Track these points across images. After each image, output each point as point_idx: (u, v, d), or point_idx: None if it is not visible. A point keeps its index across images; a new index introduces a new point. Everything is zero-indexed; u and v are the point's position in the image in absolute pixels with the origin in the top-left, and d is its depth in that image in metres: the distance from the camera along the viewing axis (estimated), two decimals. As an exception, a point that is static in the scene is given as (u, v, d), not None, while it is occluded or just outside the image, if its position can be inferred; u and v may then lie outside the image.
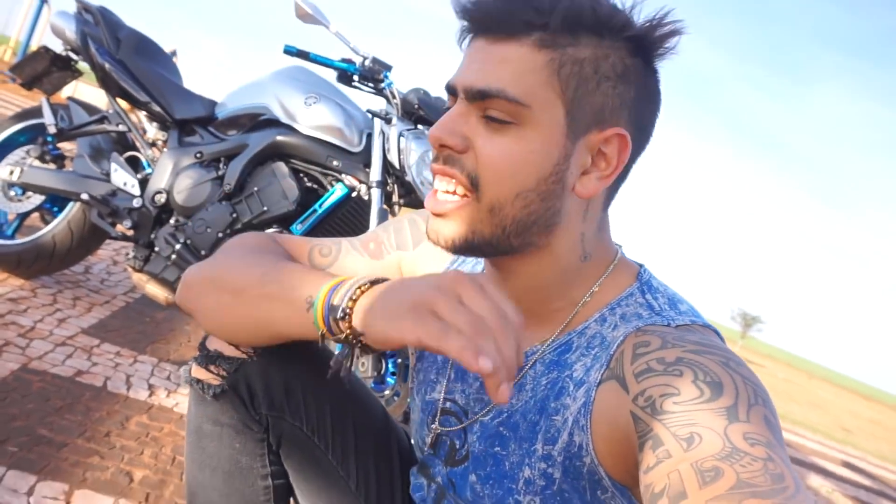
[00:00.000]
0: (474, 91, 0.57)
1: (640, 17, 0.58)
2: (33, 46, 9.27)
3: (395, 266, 0.82)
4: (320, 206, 1.78)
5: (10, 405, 1.39)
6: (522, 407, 0.64)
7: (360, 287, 0.57)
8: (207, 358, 0.73)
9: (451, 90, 0.61)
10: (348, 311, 0.56)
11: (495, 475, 0.64)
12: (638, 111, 0.60)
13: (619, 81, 0.57)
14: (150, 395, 1.68)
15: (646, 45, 0.58)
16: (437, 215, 0.61)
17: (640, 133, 0.61)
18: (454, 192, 0.60)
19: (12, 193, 2.19)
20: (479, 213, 0.59)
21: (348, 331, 0.56)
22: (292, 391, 0.75)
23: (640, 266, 0.67)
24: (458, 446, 0.71)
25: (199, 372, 0.74)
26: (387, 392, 1.66)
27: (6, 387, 1.46)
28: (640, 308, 0.61)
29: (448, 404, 0.73)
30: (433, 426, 0.74)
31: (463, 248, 0.61)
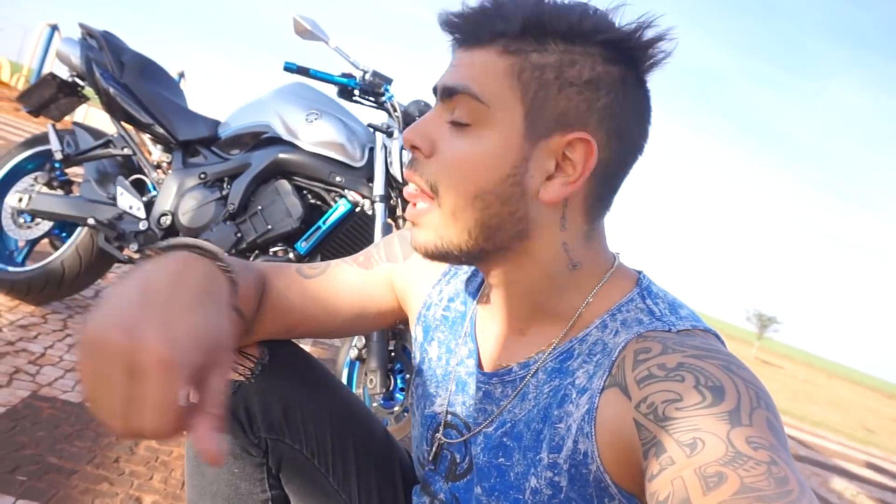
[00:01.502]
0: (443, 88, 0.60)
1: (623, 22, 0.57)
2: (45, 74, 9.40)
3: (386, 277, 0.81)
4: (324, 222, 1.77)
5: (20, 433, 1.39)
6: (525, 416, 0.63)
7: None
8: None
9: (434, 90, 0.63)
10: None
11: (500, 486, 0.63)
12: (614, 119, 0.58)
13: (585, 87, 0.57)
14: (159, 418, 1.68)
15: (625, 52, 0.57)
16: (413, 224, 0.63)
17: (621, 142, 0.59)
18: (422, 198, 0.61)
19: (21, 220, 2.21)
20: (442, 217, 0.60)
21: None
22: (291, 413, 0.74)
23: (640, 272, 0.66)
24: (458, 460, 0.69)
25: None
26: (396, 408, 1.65)
27: (16, 414, 1.46)
28: (641, 313, 0.60)
29: (450, 417, 0.72)
30: (435, 439, 0.73)
31: (436, 254, 0.62)
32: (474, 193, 0.58)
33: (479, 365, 0.70)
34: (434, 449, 0.73)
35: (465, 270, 0.78)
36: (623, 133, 0.59)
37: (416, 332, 0.81)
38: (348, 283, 0.79)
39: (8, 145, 5.74)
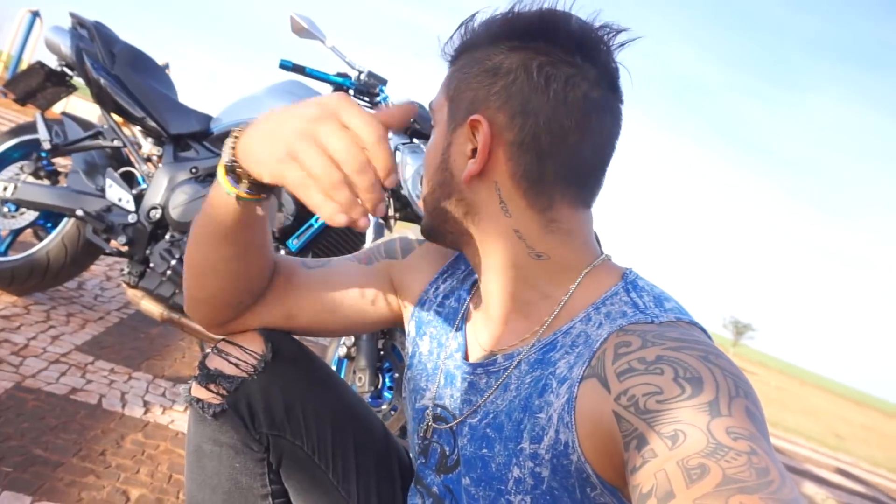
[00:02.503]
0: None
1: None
2: (25, 60, 9.25)
3: (385, 272, 0.83)
4: (316, 220, 1.78)
5: (5, 424, 1.38)
6: (507, 407, 0.64)
7: (235, 134, 0.60)
8: (207, 377, 0.73)
9: None
10: (234, 159, 0.60)
11: (485, 477, 0.65)
12: (515, 98, 0.62)
13: (483, 76, 0.64)
14: (145, 413, 1.67)
15: (521, 38, 0.63)
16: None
17: (532, 120, 0.62)
18: None
19: (6, 210, 2.18)
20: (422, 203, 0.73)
21: (247, 179, 0.60)
22: (293, 410, 0.75)
23: (627, 268, 0.68)
24: (448, 452, 0.71)
25: (198, 391, 0.74)
26: (384, 406, 1.66)
27: (0, 406, 1.44)
28: (626, 306, 0.62)
29: (438, 410, 0.73)
30: (424, 432, 0.74)
31: (424, 232, 0.74)
32: (428, 184, 0.69)
33: (466, 357, 0.72)
34: (424, 442, 0.74)
35: (462, 270, 0.80)
36: (530, 111, 0.62)
37: (409, 327, 0.82)
38: (349, 277, 0.81)
39: (-13, 132, 5.64)
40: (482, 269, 0.69)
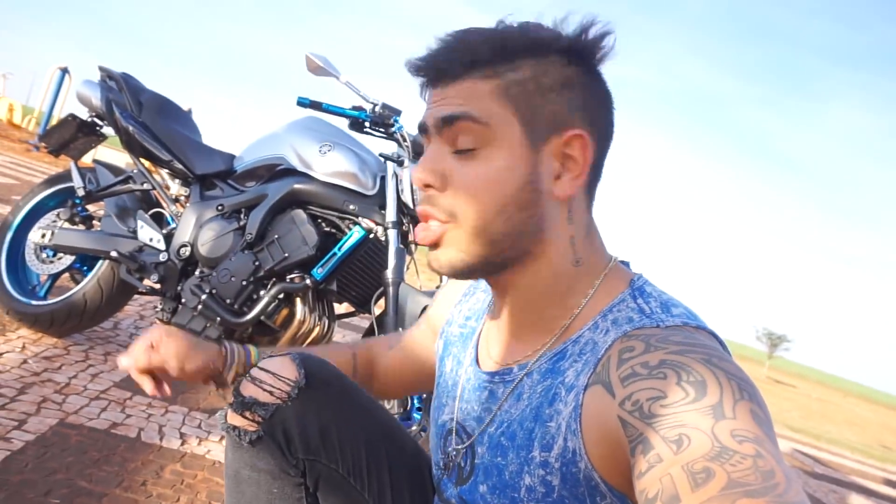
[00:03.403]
0: (440, 119, 0.64)
1: (570, 28, 0.64)
2: (55, 115, 9.64)
3: (429, 322, 0.94)
4: (339, 249, 1.83)
5: (51, 459, 1.43)
6: (519, 416, 0.65)
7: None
8: (242, 404, 0.76)
9: (423, 128, 0.67)
10: None
11: (500, 485, 0.66)
12: (590, 112, 0.65)
13: (562, 90, 0.64)
14: (182, 444, 1.72)
15: (578, 52, 0.64)
16: (431, 246, 0.67)
17: (598, 131, 0.66)
18: (439, 222, 0.65)
19: (44, 255, 2.28)
20: (465, 235, 0.64)
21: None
22: (328, 434, 0.77)
23: (636, 274, 0.69)
24: (463, 464, 0.72)
25: (234, 419, 0.77)
26: (413, 427, 1.68)
27: (46, 442, 1.50)
28: (632, 312, 0.62)
29: (456, 425, 0.75)
30: (445, 447, 0.76)
31: (462, 269, 0.66)
32: (495, 210, 0.63)
33: (480, 367, 0.74)
34: (445, 457, 0.76)
35: (483, 289, 0.83)
36: (596, 122, 0.66)
37: (438, 346, 0.86)
38: (418, 342, 0.96)
39: (21, 185, 5.86)
40: (519, 286, 0.68)
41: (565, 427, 0.59)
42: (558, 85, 0.63)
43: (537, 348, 0.68)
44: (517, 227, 0.64)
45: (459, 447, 0.74)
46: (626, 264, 0.73)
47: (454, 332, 0.84)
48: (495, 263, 0.66)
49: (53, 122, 12.03)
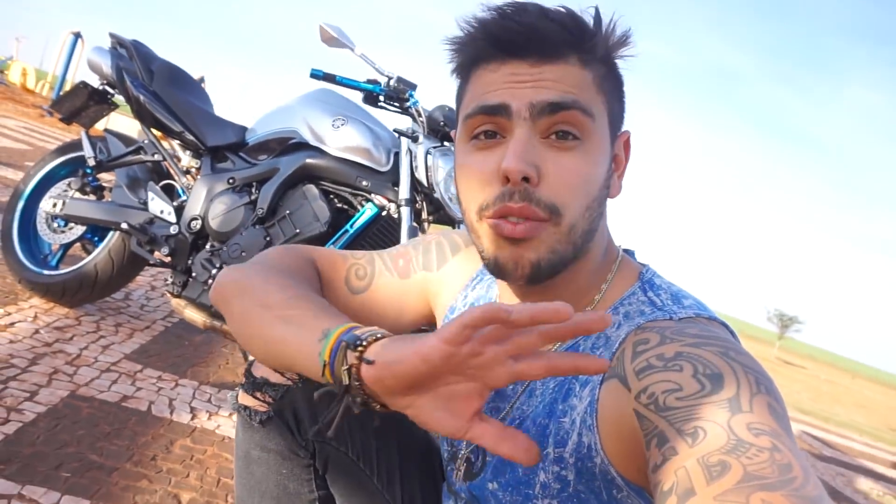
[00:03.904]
0: (544, 105, 0.58)
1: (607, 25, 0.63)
2: (69, 80, 9.63)
3: (421, 286, 0.83)
4: (351, 226, 1.80)
5: (62, 431, 1.44)
6: (533, 412, 0.64)
7: (378, 337, 0.51)
8: (254, 384, 0.76)
9: (497, 110, 0.59)
10: (365, 342, 0.50)
11: (513, 482, 0.65)
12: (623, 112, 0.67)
13: (621, 90, 0.65)
14: (192, 419, 1.72)
15: (617, 54, 0.64)
16: (517, 240, 0.60)
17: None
18: (531, 219, 0.59)
19: (55, 225, 2.27)
20: (559, 234, 0.59)
21: (356, 374, 0.49)
22: None
23: (644, 266, 0.68)
24: (473, 459, 0.71)
25: (245, 398, 0.76)
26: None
27: (57, 413, 1.50)
28: (643, 305, 0.62)
29: None
30: (450, 440, 0.75)
31: (546, 270, 0.60)
32: (587, 205, 0.60)
33: None
34: (451, 448, 0.75)
35: (489, 277, 0.80)
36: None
37: None
38: (389, 295, 0.82)
39: (34, 151, 5.87)
40: (554, 287, 0.64)
41: (580, 422, 0.58)
42: (621, 83, 0.64)
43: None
44: (592, 226, 0.62)
45: (466, 441, 0.72)
46: (631, 253, 0.72)
47: None
48: (567, 265, 0.61)
49: (67, 87, 12.04)
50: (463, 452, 0.73)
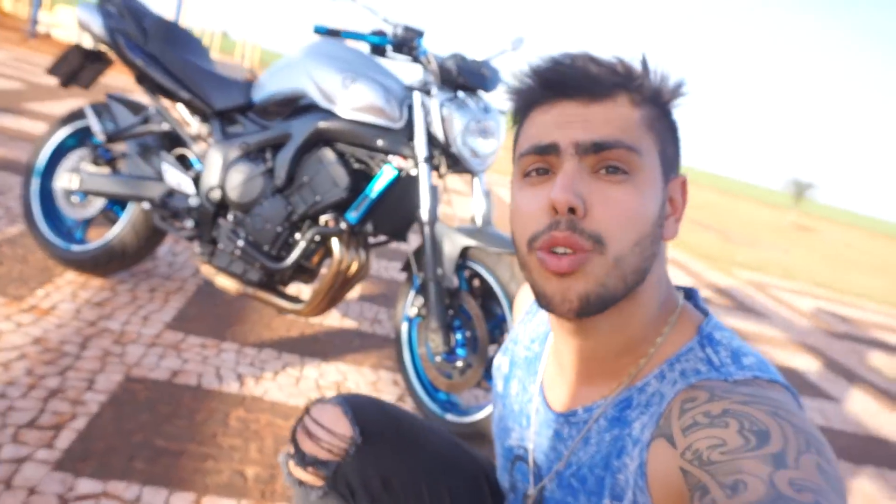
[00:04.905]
0: (588, 144, 0.61)
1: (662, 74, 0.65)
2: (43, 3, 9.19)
3: None
4: (371, 191, 1.79)
5: (126, 419, 1.53)
6: (589, 461, 0.66)
7: None
8: (304, 460, 0.80)
9: (547, 149, 0.62)
10: None
11: None
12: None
13: (677, 133, 0.67)
14: (241, 387, 1.82)
15: (671, 100, 0.66)
16: (564, 274, 0.61)
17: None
18: (578, 251, 0.60)
19: (74, 199, 2.28)
20: (605, 266, 0.60)
21: None
22: (389, 484, 0.81)
23: (705, 315, 0.67)
24: (531, 493, 0.74)
25: (297, 472, 0.81)
26: (459, 363, 1.74)
27: (118, 400, 1.60)
28: (700, 363, 0.61)
29: (522, 452, 0.76)
30: (511, 471, 0.79)
31: (595, 304, 0.61)
32: (636, 240, 0.60)
33: (548, 404, 0.74)
34: (511, 479, 0.79)
35: (540, 318, 0.82)
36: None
37: (501, 360, 0.86)
38: None
39: (30, 89, 5.72)
40: (601, 331, 0.65)
41: (633, 482, 0.60)
42: (675, 128, 0.66)
43: (604, 393, 0.68)
44: (643, 263, 0.62)
45: (524, 474, 0.76)
46: (694, 294, 0.71)
47: (519, 353, 0.83)
48: (616, 301, 0.62)
49: (44, 6, 11.48)
50: (520, 484, 0.77)
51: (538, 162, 0.63)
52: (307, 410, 0.84)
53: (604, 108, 0.62)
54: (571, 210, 0.59)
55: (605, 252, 0.59)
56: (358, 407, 0.82)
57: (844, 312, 6.21)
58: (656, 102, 0.64)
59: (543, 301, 0.64)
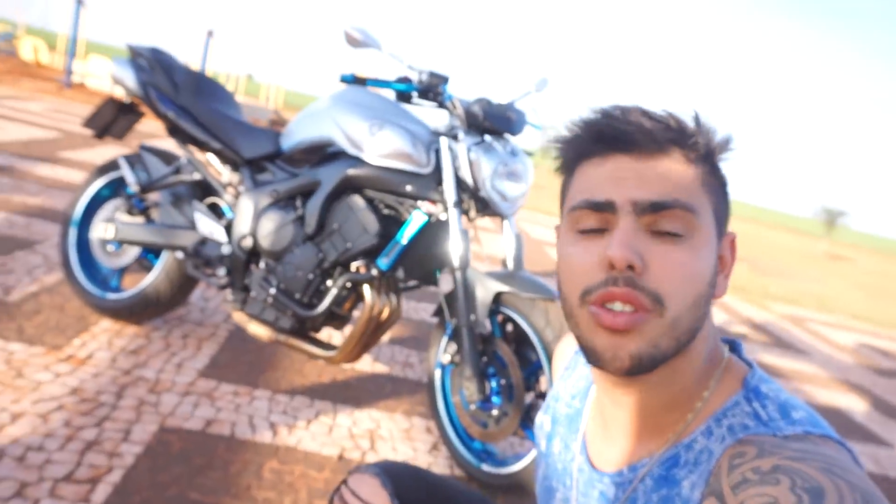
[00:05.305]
0: (646, 204, 0.60)
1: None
2: (81, 43, 9.76)
3: None
4: (402, 237, 1.79)
5: (160, 471, 1.53)
6: None
7: None
8: None
9: (603, 206, 0.61)
10: None
11: None
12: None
13: (725, 190, 0.65)
14: (274, 436, 1.80)
15: (720, 155, 0.65)
16: (618, 331, 0.59)
17: None
18: (638, 309, 0.59)
19: (110, 248, 2.33)
20: (662, 327, 0.59)
21: None
22: None
23: (750, 367, 0.66)
24: None
25: None
26: (494, 412, 1.71)
27: (153, 452, 1.59)
28: (747, 418, 0.60)
29: None
30: None
31: (647, 364, 0.60)
32: (693, 301, 0.59)
33: (591, 464, 0.72)
34: None
35: (583, 363, 0.79)
36: None
37: (542, 419, 0.83)
38: None
39: (65, 138, 5.92)
40: (649, 387, 0.64)
41: None
42: (725, 184, 0.65)
43: (651, 449, 0.66)
44: (696, 324, 0.60)
45: None
46: (738, 346, 0.69)
47: (561, 410, 0.81)
48: (666, 360, 0.60)
49: (77, 50, 12.01)
50: None
51: (592, 217, 0.62)
52: (345, 481, 0.83)
53: (659, 164, 0.61)
54: (630, 267, 0.58)
55: (664, 314, 0.58)
56: (396, 476, 0.82)
57: (887, 347, 6.00)
58: (708, 159, 0.63)
59: (592, 356, 0.62)
